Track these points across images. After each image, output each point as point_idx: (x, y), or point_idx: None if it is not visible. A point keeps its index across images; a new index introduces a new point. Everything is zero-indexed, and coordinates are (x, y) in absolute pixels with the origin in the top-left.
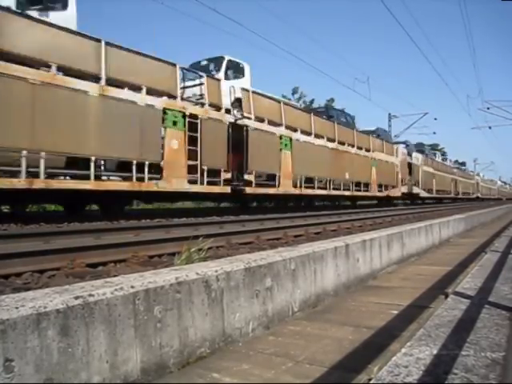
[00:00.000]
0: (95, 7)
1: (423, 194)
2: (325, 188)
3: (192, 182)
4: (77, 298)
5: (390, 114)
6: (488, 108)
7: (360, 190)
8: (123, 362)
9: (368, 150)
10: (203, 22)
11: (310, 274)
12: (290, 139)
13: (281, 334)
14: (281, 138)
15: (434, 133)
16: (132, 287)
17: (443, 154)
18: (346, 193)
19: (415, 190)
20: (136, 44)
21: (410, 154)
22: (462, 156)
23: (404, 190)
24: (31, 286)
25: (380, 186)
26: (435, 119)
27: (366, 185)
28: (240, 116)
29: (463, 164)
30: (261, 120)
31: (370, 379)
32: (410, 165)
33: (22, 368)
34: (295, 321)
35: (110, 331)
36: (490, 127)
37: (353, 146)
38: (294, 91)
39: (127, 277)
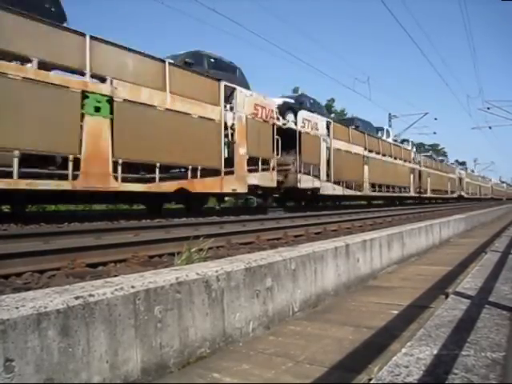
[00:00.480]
0: (96, 7)
1: (329, 189)
2: None
3: None
4: (77, 298)
5: (390, 114)
6: (488, 108)
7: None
8: (123, 362)
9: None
10: (203, 22)
11: (311, 274)
12: None
13: (281, 334)
14: None
15: (434, 133)
16: (132, 287)
17: (443, 153)
18: None
19: (307, 182)
20: (135, 43)
21: (292, 112)
22: (462, 156)
23: (261, 181)
24: (31, 286)
25: (148, 168)
26: (435, 119)
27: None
28: None
29: (463, 164)
30: None
31: (370, 379)
32: (291, 134)
33: (22, 368)
34: (296, 321)
35: (110, 331)
36: (490, 127)
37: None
38: (294, 91)
39: (127, 277)
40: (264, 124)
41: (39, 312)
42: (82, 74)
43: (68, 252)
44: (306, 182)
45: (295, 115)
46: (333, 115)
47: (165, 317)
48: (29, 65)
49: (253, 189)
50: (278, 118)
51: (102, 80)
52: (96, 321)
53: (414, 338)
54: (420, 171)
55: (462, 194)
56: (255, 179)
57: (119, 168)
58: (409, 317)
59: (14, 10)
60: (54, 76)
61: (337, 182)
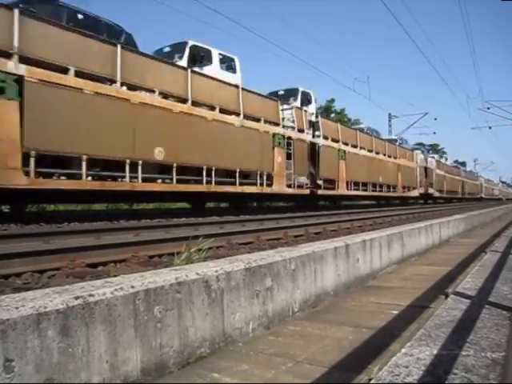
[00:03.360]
0: (95, 6)
1: (436, 194)
2: (365, 189)
3: (288, 186)
4: (77, 298)
5: (390, 114)
6: (488, 108)
7: (390, 191)
8: (123, 362)
9: (395, 157)
10: (203, 22)
11: (310, 274)
12: (345, 152)
13: (281, 334)
14: (339, 150)
15: (434, 133)
16: (132, 287)
17: (443, 153)
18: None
19: (430, 190)
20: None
21: (425, 159)
22: (462, 156)
23: (421, 190)
24: (31, 286)
25: (404, 187)
26: (435, 119)
27: (394, 186)
28: (313, 135)
29: (463, 164)
30: (326, 138)
31: (370, 379)
32: (425, 169)
33: (22, 368)
34: (295, 321)
35: (110, 331)
36: (490, 127)
37: (384, 154)
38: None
39: (127, 277)
40: (421, 167)
41: (39, 312)
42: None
43: (68, 252)
44: (430, 190)
45: (424, 158)
46: (333, 115)
47: (164, 317)
48: None
49: (420, 194)
50: (423, 162)
51: (377, 153)
52: (96, 321)
53: (414, 338)
54: (463, 181)
55: (482, 195)
56: (420, 190)
57: None
58: (408, 317)
59: None
60: None
61: (438, 190)
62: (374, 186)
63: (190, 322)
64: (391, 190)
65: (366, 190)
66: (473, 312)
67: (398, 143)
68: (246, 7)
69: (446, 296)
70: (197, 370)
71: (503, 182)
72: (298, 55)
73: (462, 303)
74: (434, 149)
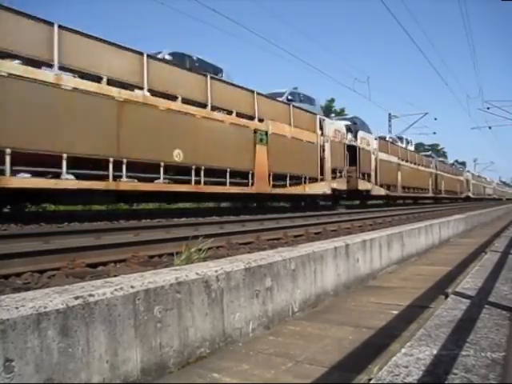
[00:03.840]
0: (95, 7)
1: (377, 191)
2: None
3: None
4: (77, 298)
5: (390, 114)
6: (488, 108)
7: (221, 181)
8: (123, 362)
9: (251, 118)
10: (203, 22)
11: (310, 274)
12: None
13: (281, 334)
14: None
15: (434, 133)
16: (132, 287)
17: (443, 153)
18: (183, 187)
19: (363, 185)
20: (136, 44)
21: (353, 132)
22: (462, 156)
23: (338, 185)
24: (31, 286)
25: (281, 177)
26: (435, 119)
27: (245, 174)
28: None
29: (463, 164)
30: None
31: (370, 379)
32: (353, 149)
33: (22, 368)
34: (295, 321)
35: (110, 331)
36: (490, 127)
37: (204, 106)
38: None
39: (127, 277)
40: (339, 144)
41: (39, 312)
42: None
43: (68, 252)
44: (362, 185)
45: (352, 134)
46: (332, 115)
47: (164, 317)
48: None
49: (334, 191)
50: (346, 138)
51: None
52: (96, 321)
53: (414, 338)
54: (436, 175)
55: (470, 194)
56: (335, 184)
57: None
58: (408, 317)
59: None
60: None
61: (381, 185)
62: (157, 169)
63: (190, 322)
64: (228, 178)
65: (106, 178)
66: (473, 312)
67: (284, 97)
68: (246, 7)
69: (446, 296)
70: (197, 370)
71: (503, 182)
72: (297, 55)
73: (461, 303)
74: (434, 149)
